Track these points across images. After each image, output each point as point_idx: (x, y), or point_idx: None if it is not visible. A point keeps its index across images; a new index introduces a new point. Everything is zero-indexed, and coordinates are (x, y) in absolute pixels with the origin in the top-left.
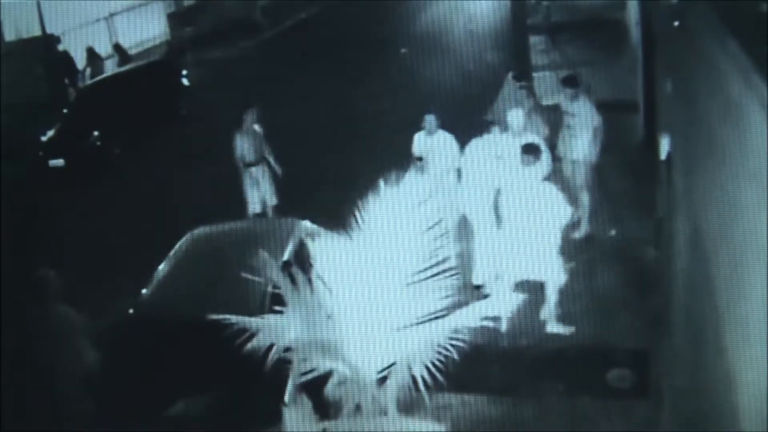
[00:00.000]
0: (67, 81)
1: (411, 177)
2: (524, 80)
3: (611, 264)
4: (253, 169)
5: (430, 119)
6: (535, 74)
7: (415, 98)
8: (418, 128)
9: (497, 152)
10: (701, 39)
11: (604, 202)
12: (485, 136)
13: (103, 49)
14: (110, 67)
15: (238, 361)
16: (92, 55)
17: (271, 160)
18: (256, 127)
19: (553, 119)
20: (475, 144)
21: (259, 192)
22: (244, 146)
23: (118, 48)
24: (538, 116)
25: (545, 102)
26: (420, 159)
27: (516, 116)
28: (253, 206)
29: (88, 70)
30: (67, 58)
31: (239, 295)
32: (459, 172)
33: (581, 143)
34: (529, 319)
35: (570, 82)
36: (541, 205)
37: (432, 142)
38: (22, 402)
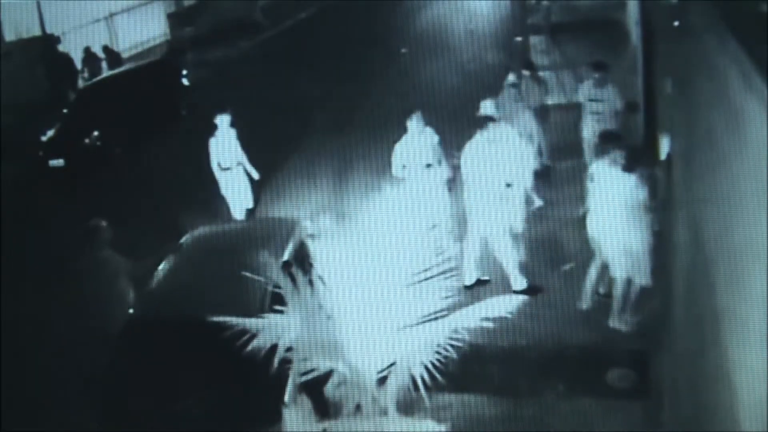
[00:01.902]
0: (66, 81)
1: (409, 179)
2: (517, 79)
3: None
4: (229, 174)
5: (416, 117)
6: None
7: (414, 98)
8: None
9: (494, 148)
10: (701, 39)
11: None
12: (482, 133)
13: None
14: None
15: (238, 361)
16: (90, 55)
17: (247, 163)
18: (231, 131)
19: (546, 117)
20: (474, 142)
21: (238, 196)
22: (218, 151)
23: (107, 50)
24: (526, 114)
25: (557, 98)
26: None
27: (486, 106)
28: (235, 211)
29: (86, 71)
30: (66, 59)
31: (239, 295)
32: (458, 170)
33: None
34: (530, 319)
35: (599, 66)
36: (627, 194)
37: (418, 143)
38: (22, 400)
